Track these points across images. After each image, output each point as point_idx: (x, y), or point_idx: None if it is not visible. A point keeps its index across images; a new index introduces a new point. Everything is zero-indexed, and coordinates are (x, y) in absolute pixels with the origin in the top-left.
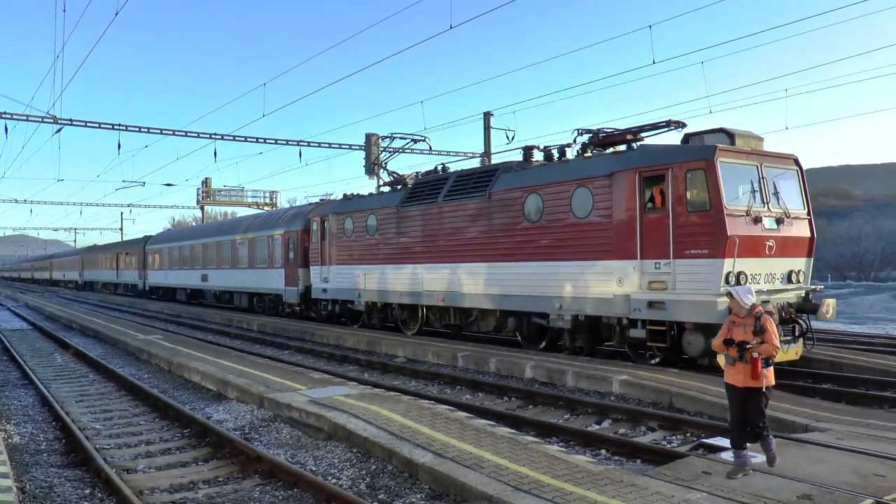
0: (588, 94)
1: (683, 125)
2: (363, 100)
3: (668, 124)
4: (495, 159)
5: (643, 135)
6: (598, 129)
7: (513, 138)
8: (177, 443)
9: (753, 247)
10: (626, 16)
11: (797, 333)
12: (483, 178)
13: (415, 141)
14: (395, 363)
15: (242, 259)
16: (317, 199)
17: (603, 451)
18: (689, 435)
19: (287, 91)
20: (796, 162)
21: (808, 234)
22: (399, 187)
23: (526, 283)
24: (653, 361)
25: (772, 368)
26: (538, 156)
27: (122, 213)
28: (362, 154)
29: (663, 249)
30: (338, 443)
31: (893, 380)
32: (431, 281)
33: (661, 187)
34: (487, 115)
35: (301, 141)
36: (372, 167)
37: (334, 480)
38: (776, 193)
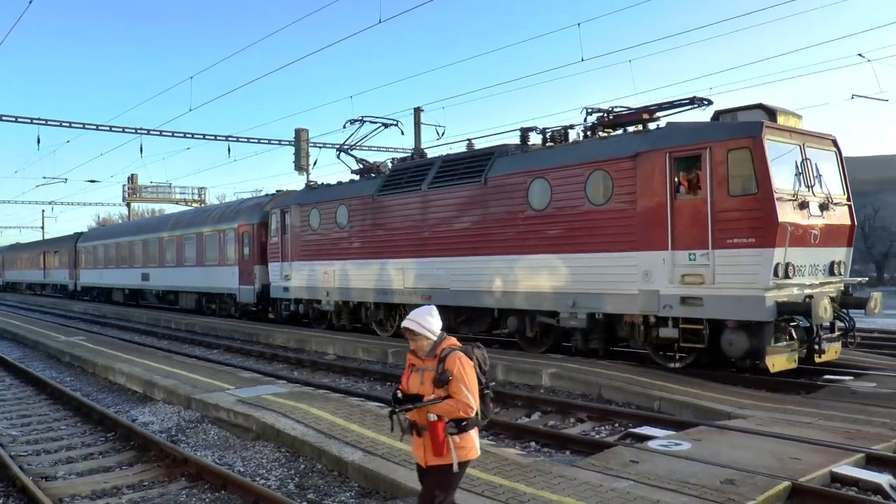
0: (518, 91)
1: (709, 102)
2: (292, 94)
3: (692, 101)
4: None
5: (660, 114)
6: (610, 108)
7: (443, 134)
8: (100, 447)
9: (801, 235)
10: (555, 13)
11: (836, 332)
12: (476, 163)
13: (385, 126)
14: (326, 361)
15: (189, 256)
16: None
17: (532, 444)
18: (617, 425)
19: (214, 85)
20: (835, 143)
21: (850, 222)
22: (372, 175)
23: (531, 278)
24: (680, 365)
25: (471, 435)
26: (535, 139)
27: (43, 211)
28: (292, 150)
29: (699, 239)
30: (266, 443)
31: (809, 367)
32: (415, 277)
33: (697, 169)
34: (418, 111)
35: (230, 136)
36: (338, 153)
37: (263, 481)
38: (819, 176)
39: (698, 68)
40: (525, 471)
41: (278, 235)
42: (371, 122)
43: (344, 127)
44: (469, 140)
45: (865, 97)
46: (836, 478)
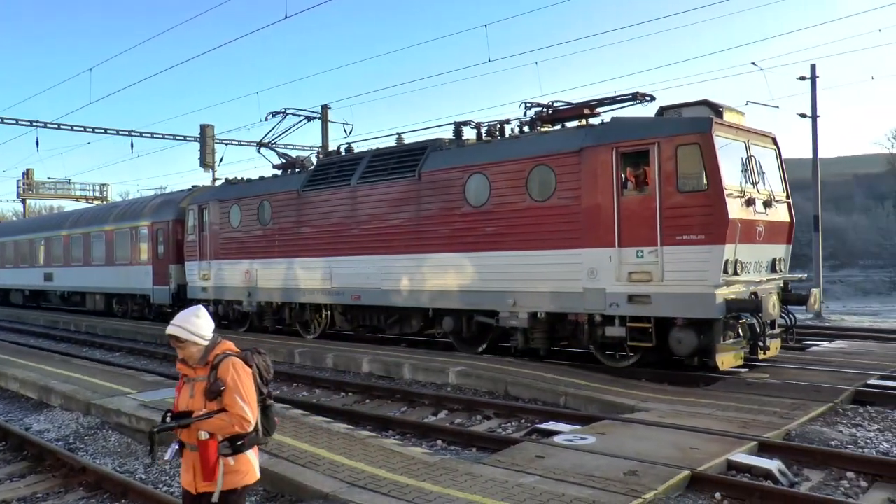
0: (427, 90)
1: (652, 98)
2: (197, 90)
3: (635, 97)
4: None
5: (601, 109)
6: (550, 103)
7: (350, 132)
8: None
9: (748, 232)
10: (463, 14)
11: (776, 328)
12: (409, 157)
13: (308, 118)
14: None
15: (98, 255)
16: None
17: (439, 442)
18: (523, 421)
19: (116, 77)
20: (774, 141)
21: (789, 219)
22: (297, 170)
23: (469, 276)
24: (626, 364)
25: (248, 457)
26: (469, 133)
27: None
28: (197, 146)
29: (648, 235)
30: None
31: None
32: (344, 276)
33: (644, 165)
34: (325, 109)
35: (132, 131)
36: (258, 147)
37: (166, 488)
38: (763, 173)
39: (602, 72)
40: (432, 469)
41: (196, 233)
42: (294, 114)
43: (266, 119)
44: (399, 134)
45: (759, 104)
46: (731, 465)
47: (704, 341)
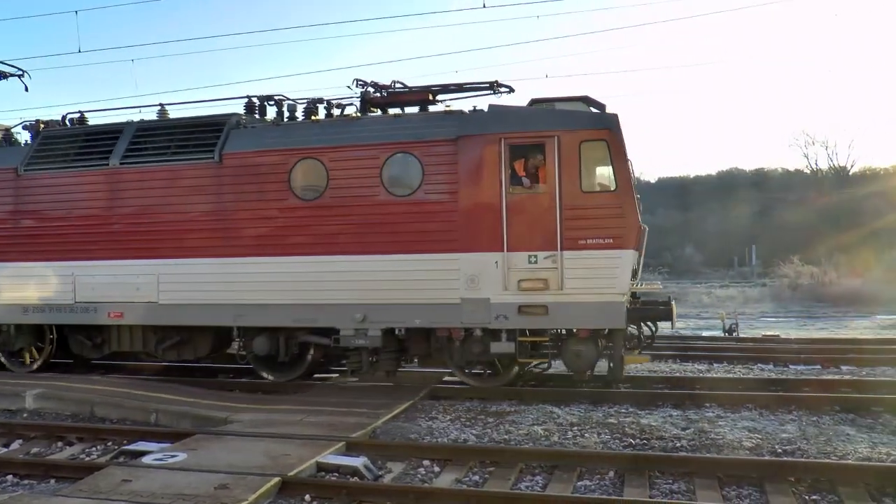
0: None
1: (511, 89)
2: None
3: (491, 86)
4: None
5: (445, 96)
6: (392, 83)
7: None
8: None
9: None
10: None
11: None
12: (201, 135)
13: (4, 76)
14: None
15: None
16: None
17: (10, 477)
18: (110, 444)
19: None
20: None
21: (643, 227)
22: (12, 142)
23: (298, 286)
24: (495, 383)
25: None
26: (270, 112)
27: None
28: None
29: (544, 239)
30: None
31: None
32: (97, 287)
33: (539, 160)
34: None
35: None
36: None
37: None
38: (636, 178)
39: (221, 76)
40: None
41: None
42: None
43: None
44: (161, 105)
45: None
46: (321, 467)
47: (601, 353)
